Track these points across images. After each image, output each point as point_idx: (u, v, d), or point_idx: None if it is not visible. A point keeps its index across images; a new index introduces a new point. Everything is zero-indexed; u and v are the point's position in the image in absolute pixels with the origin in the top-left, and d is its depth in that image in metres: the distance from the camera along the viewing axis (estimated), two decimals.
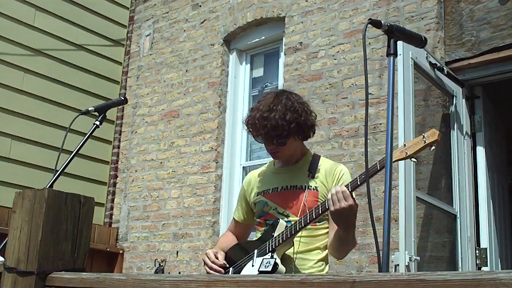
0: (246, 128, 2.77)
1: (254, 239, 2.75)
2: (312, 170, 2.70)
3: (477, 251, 4.14)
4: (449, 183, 4.18)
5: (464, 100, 4.34)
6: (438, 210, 4.09)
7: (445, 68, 4.19)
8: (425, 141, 2.29)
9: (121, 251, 5.96)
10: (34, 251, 1.92)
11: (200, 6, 6.09)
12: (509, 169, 5.28)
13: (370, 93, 4.49)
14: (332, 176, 2.67)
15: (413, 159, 2.38)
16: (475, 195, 4.27)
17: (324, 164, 2.74)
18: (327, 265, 2.69)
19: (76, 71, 6.22)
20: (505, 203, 4.96)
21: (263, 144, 2.75)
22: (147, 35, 6.52)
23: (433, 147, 2.31)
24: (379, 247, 1.85)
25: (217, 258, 2.69)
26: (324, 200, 2.55)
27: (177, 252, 5.52)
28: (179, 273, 5.31)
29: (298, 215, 2.59)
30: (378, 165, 2.33)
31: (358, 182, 2.38)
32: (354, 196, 2.40)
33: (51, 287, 1.91)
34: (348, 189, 2.37)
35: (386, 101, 1.96)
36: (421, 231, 4.09)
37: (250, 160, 5.61)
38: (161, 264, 5.56)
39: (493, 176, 4.51)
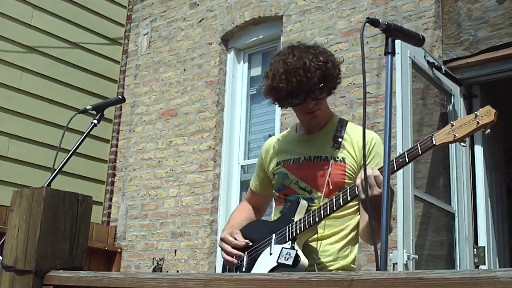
0: (270, 94, 2.41)
1: (272, 219, 2.50)
2: (338, 138, 2.40)
3: (475, 250, 4.15)
4: (447, 181, 4.18)
5: (462, 99, 4.35)
6: (436, 209, 4.10)
7: (443, 67, 4.20)
8: (478, 122, 1.92)
9: (119, 250, 5.95)
10: (32, 250, 1.92)
11: (198, 5, 6.09)
12: (507, 168, 5.28)
13: (368, 92, 4.49)
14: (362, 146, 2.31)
15: (462, 143, 2.00)
16: (473, 194, 4.28)
17: (352, 130, 2.44)
18: (355, 247, 2.41)
19: (74, 69, 6.21)
20: (503, 201, 4.96)
21: (294, 108, 2.42)
22: (145, 34, 6.51)
23: (488, 130, 1.96)
24: (377, 246, 1.84)
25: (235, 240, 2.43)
26: (352, 175, 2.34)
27: (175, 251, 5.52)
28: (177, 271, 5.31)
29: (323, 191, 2.32)
30: (419, 149, 2.03)
31: (395, 167, 2.06)
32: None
33: (49, 285, 1.90)
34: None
35: (384, 100, 1.93)
36: (419, 229, 4.10)
37: (248, 158, 5.61)
38: (159, 263, 5.56)
39: (491, 175, 4.51)
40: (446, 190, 4.19)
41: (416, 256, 3.55)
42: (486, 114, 1.94)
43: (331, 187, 2.32)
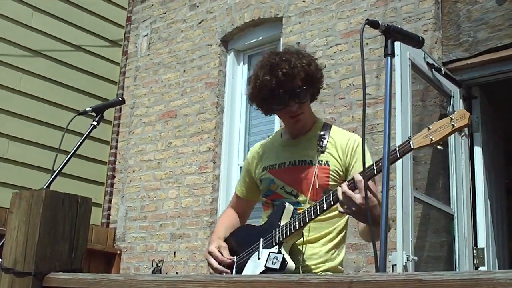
0: (255, 98, 2.42)
1: (260, 223, 2.51)
2: (322, 142, 2.42)
3: (474, 251, 4.15)
4: (447, 183, 4.18)
5: (461, 100, 4.35)
6: (435, 210, 4.10)
7: (442, 69, 4.20)
8: (453, 126, 1.97)
9: (118, 252, 5.95)
10: (31, 252, 1.92)
11: (198, 6, 6.09)
12: (506, 169, 5.29)
13: (368, 94, 4.49)
14: (346, 149, 2.39)
15: (439, 146, 2.03)
16: (473, 195, 4.28)
17: (336, 134, 2.46)
18: (343, 249, 2.44)
19: (74, 71, 6.21)
20: (502, 203, 4.96)
21: (278, 113, 2.44)
22: (145, 36, 6.51)
23: (463, 133, 2.07)
24: (376, 247, 1.85)
25: (222, 255, 2.45)
26: (336, 177, 2.36)
27: (175, 253, 5.52)
28: (177, 273, 5.31)
29: (308, 195, 2.34)
30: (397, 153, 2.05)
31: (375, 171, 2.07)
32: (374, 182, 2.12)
33: (48, 287, 1.90)
34: (365, 179, 2.01)
35: (383, 102, 1.93)
36: (418, 231, 4.09)
37: None
38: (159, 265, 5.55)
39: (491, 176, 4.51)
40: (446, 191, 4.19)
41: (416, 258, 3.55)
42: (461, 117, 1.98)
43: (316, 190, 2.34)
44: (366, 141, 2.09)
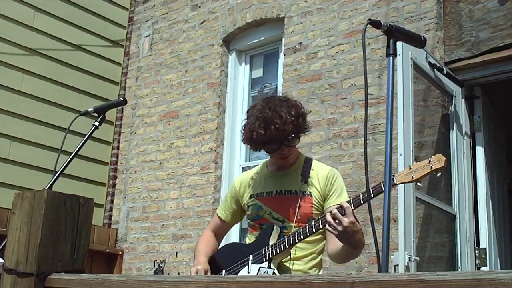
0: (248, 143, 2.69)
1: (247, 242, 2.75)
2: (305, 175, 2.71)
3: (476, 251, 4.14)
4: (449, 183, 4.18)
5: (463, 100, 4.34)
6: (437, 210, 4.09)
7: (444, 68, 4.19)
8: (431, 167, 2.29)
9: (120, 252, 5.95)
10: (33, 253, 1.92)
11: (200, 7, 6.09)
12: (508, 169, 5.28)
13: (370, 94, 4.49)
14: (326, 180, 2.68)
15: (418, 183, 2.39)
16: (475, 195, 4.27)
17: (317, 168, 2.75)
18: (321, 270, 2.74)
19: (76, 72, 6.22)
20: (504, 203, 4.96)
21: (268, 152, 2.71)
22: (147, 36, 6.51)
23: (439, 173, 2.33)
24: (378, 248, 1.85)
25: None
26: (318, 206, 2.63)
27: (177, 253, 5.52)
28: (179, 274, 5.31)
29: (294, 221, 2.61)
30: (382, 186, 2.31)
31: (361, 201, 2.36)
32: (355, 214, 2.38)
33: None
34: (351, 206, 2.35)
35: (385, 101, 1.95)
36: (420, 231, 4.09)
37: (249, 160, 5.61)
38: (161, 265, 5.56)
39: (493, 176, 4.51)
40: (447, 191, 4.18)
41: (418, 258, 3.54)
42: (438, 160, 2.30)
43: (301, 218, 2.62)
44: (368, 141, 2.12)
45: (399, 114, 3.64)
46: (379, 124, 4.45)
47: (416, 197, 3.72)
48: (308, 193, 2.66)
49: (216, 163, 5.52)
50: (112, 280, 1.79)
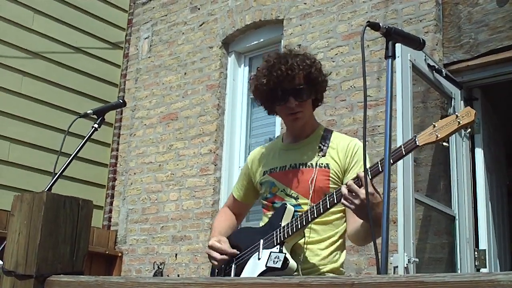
0: (257, 97, 2.50)
1: (260, 225, 2.53)
2: (323, 146, 2.46)
3: (475, 253, 4.14)
4: (448, 184, 4.18)
5: (462, 102, 4.35)
6: (436, 212, 4.10)
7: (443, 70, 4.20)
8: (459, 122, 2.00)
9: (119, 254, 5.95)
10: (32, 255, 1.91)
11: (199, 9, 6.10)
12: (507, 170, 5.28)
13: (369, 95, 4.50)
14: (346, 151, 2.42)
15: (444, 143, 2.06)
16: (474, 197, 4.27)
17: (337, 138, 2.50)
18: (343, 253, 2.45)
19: (75, 74, 6.22)
20: (503, 204, 4.96)
21: (279, 112, 2.50)
22: (146, 38, 6.52)
23: (469, 129, 2.09)
24: (377, 249, 1.85)
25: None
26: (336, 179, 2.39)
27: (176, 255, 5.51)
28: (178, 275, 5.31)
29: (309, 197, 2.37)
30: (403, 150, 2.09)
31: (380, 169, 2.09)
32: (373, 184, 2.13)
33: None
34: (369, 175, 2.06)
35: (384, 103, 1.94)
36: (419, 232, 4.09)
37: None
38: (160, 267, 5.55)
39: (492, 177, 4.51)
40: (447, 193, 4.19)
41: (417, 260, 3.54)
42: (467, 114, 2.00)
43: (317, 193, 2.36)
44: (367, 143, 2.10)
45: (398, 116, 3.64)
46: (378, 126, 4.46)
47: (416, 198, 3.72)
48: (325, 165, 2.40)
49: (215, 165, 5.52)
50: (112, 282, 1.79)
